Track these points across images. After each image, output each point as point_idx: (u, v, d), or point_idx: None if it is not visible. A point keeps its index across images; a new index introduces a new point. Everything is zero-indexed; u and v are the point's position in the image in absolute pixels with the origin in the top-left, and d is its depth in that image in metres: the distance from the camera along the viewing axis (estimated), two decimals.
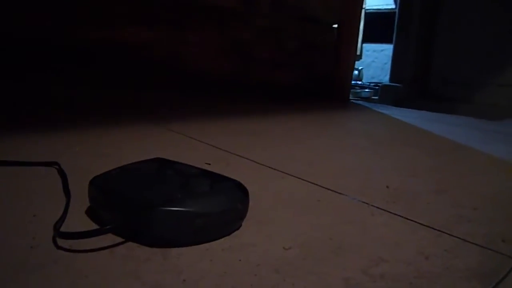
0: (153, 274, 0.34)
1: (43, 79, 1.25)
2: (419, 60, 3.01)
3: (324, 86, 1.96)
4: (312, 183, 0.63)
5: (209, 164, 0.69)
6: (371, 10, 5.03)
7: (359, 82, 4.61)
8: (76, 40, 1.24)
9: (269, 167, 0.70)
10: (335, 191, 0.59)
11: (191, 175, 0.44)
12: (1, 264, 0.34)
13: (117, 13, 1.28)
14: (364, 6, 5.10)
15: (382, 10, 4.88)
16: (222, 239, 0.40)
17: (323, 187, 0.61)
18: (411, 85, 2.87)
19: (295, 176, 0.65)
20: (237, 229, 0.43)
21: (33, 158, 0.62)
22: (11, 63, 1.20)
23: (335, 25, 1.95)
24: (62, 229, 0.38)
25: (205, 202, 0.39)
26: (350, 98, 2.14)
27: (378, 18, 4.85)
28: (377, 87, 3.99)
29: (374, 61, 5.19)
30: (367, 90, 4.12)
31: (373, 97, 3.96)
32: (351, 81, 2.07)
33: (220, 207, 0.39)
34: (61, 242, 0.37)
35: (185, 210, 0.37)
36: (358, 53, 5.23)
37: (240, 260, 0.37)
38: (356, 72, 5.04)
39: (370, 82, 4.61)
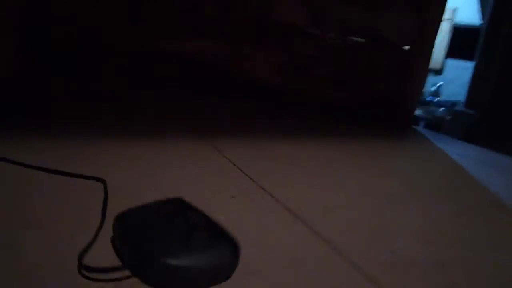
0: None
1: (118, 86, 1.42)
2: (501, 85, 2.77)
3: (386, 110, 1.93)
4: (318, 235, 0.67)
5: (234, 197, 0.76)
6: (460, 25, 4.69)
7: (436, 99, 4.37)
8: (151, 51, 1.37)
9: (287, 209, 0.75)
10: (336, 249, 0.63)
11: (195, 227, 0.52)
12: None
13: (184, 28, 1.39)
14: (453, 19, 4.79)
15: (471, 26, 4.53)
16: None
17: (326, 241, 0.65)
18: (487, 114, 2.66)
19: (306, 224, 0.70)
20: (226, 280, 0.50)
21: (88, 167, 0.74)
22: (93, 68, 1.38)
23: (406, 47, 1.91)
24: (89, 254, 0.48)
25: (196, 258, 0.46)
26: (416, 121, 2.08)
27: (466, 33, 4.51)
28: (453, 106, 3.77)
29: (457, 78, 4.85)
30: (442, 108, 3.91)
31: (447, 117, 3.75)
32: (415, 108, 2.01)
33: (209, 264, 0.47)
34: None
35: (178, 265, 0.45)
36: (438, 67, 4.95)
37: None
38: (433, 87, 4.78)
39: (447, 101, 4.34)
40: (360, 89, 1.91)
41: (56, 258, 0.49)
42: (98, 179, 0.72)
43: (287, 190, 0.84)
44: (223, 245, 0.50)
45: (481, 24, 3.68)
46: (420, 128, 2.22)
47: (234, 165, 0.94)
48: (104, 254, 0.50)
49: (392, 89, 1.94)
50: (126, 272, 0.47)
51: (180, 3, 1.38)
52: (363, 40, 1.83)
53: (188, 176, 0.84)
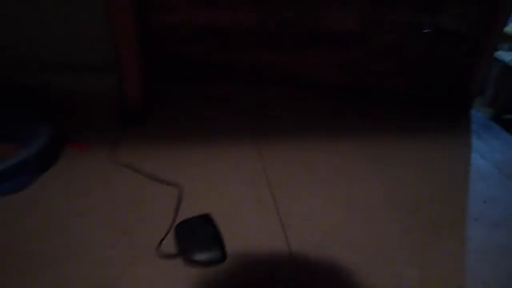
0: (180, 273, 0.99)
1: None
2: None
3: (447, 96, 2.09)
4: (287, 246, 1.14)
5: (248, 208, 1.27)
6: None
7: None
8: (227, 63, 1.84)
9: (284, 226, 1.23)
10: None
11: (208, 236, 1.06)
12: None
13: (249, 42, 1.80)
14: None
15: None
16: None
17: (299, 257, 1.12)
18: None
19: (286, 245, 1.18)
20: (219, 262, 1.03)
21: (171, 170, 1.31)
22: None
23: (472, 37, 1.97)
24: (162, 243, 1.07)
25: (205, 255, 1.01)
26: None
27: None
28: None
29: None
30: None
31: None
32: (475, 95, 2.11)
33: (210, 258, 1.01)
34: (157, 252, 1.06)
35: (194, 259, 1.00)
36: None
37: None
38: None
39: None
40: (420, 77, 2.08)
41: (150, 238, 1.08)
42: (175, 184, 1.29)
43: (293, 205, 1.30)
44: (219, 249, 1.03)
45: None
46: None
47: (265, 174, 1.42)
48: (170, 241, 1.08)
49: (456, 76, 2.06)
50: (179, 255, 1.04)
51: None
52: (425, 32, 1.96)
53: (220, 183, 1.36)
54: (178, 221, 1.13)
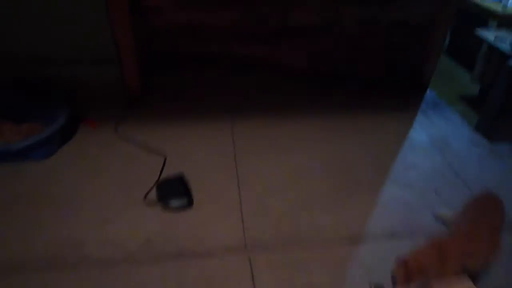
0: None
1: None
2: None
3: (405, 79, 2.42)
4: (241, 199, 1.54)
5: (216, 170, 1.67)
6: None
7: None
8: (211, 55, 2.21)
9: (238, 182, 1.62)
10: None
11: (181, 189, 1.47)
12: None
13: (230, 37, 2.16)
14: None
15: None
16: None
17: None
18: None
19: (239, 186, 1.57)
20: (187, 207, 1.45)
21: (165, 143, 1.72)
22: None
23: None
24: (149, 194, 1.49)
25: (174, 202, 1.43)
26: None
27: None
28: None
29: None
30: None
31: None
32: (430, 77, 2.41)
33: (180, 204, 1.43)
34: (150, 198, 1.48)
35: (170, 205, 1.42)
36: None
37: None
38: None
39: None
40: (383, 64, 2.40)
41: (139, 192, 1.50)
42: (161, 154, 1.70)
43: (248, 165, 1.70)
44: (188, 198, 1.44)
45: None
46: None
47: (233, 140, 1.81)
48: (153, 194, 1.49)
49: (412, 62, 2.38)
50: (159, 203, 1.46)
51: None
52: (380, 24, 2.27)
53: (197, 153, 1.75)
54: (160, 178, 1.54)
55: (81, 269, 1.20)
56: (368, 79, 2.38)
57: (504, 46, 2.27)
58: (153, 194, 1.48)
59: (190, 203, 1.46)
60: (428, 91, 2.42)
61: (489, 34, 2.60)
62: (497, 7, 2.76)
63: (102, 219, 1.38)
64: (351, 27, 2.24)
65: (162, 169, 1.60)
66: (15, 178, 1.55)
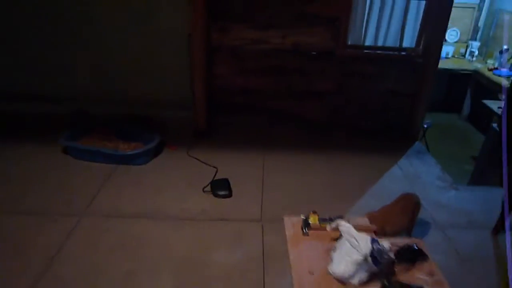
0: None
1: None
2: None
3: (400, 132, 3.20)
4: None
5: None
6: None
7: None
8: (257, 107, 3.16)
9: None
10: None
11: (223, 185, 2.35)
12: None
13: (269, 96, 3.10)
14: None
15: None
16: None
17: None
18: None
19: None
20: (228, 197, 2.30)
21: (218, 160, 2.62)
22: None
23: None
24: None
25: (221, 192, 2.30)
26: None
27: None
28: None
29: None
30: None
31: None
32: (419, 132, 3.17)
33: (223, 195, 2.30)
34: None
35: (217, 194, 2.30)
36: None
37: None
38: None
39: None
40: (379, 119, 3.22)
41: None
42: (215, 167, 2.60)
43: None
44: (229, 191, 2.31)
45: None
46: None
47: (263, 165, 2.68)
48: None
49: (403, 119, 3.17)
50: (211, 193, 2.33)
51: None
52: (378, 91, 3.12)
53: (238, 168, 2.63)
54: (213, 180, 2.43)
55: (165, 221, 2.08)
56: (369, 132, 3.18)
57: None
58: (208, 189, 2.36)
59: (230, 194, 2.32)
60: (416, 143, 3.16)
61: (493, 104, 3.27)
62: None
63: (178, 199, 2.28)
64: (356, 92, 3.11)
65: (215, 175, 2.50)
66: (125, 173, 2.52)
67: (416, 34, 3.03)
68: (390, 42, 3.14)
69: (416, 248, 1.39)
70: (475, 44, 4.81)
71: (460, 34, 4.91)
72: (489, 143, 3.39)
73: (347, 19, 2.93)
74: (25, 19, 3.02)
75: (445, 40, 4.89)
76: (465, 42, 4.92)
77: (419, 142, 3.19)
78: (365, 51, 3.11)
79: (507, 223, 2.07)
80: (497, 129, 3.13)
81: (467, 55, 4.86)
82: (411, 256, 1.35)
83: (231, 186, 2.40)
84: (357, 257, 1.21)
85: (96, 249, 1.86)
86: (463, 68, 4.60)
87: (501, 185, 2.13)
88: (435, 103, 4.87)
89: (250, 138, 3.06)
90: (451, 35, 4.95)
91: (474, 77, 4.54)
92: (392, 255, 1.31)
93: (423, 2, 2.94)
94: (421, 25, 2.98)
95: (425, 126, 4.41)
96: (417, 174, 2.72)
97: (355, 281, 1.23)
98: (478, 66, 4.53)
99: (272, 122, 3.19)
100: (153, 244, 1.92)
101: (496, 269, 1.90)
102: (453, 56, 4.89)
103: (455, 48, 4.90)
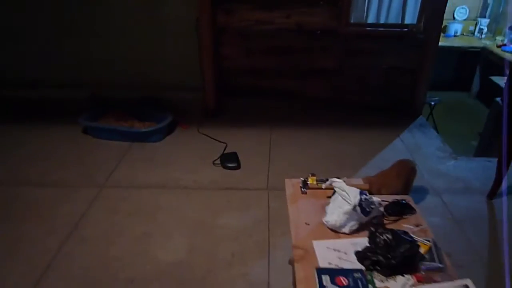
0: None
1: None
2: None
3: (401, 107, 3.28)
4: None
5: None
6: None
7: None
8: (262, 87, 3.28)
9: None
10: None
11: (232, 158, 2.49)
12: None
13: (274, 75, 3.22)
14: None
15: None
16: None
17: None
18: None
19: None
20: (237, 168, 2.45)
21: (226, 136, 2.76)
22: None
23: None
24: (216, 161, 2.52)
25: (230, 164, 2.45)
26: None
27: None
28: None
29: None
30: None
31: None
32: (422, 107, 3.25)
33: (232, 166, 2.45)
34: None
35: (227, 166, 2.45)
36: None
37: None
38: None
39: None
40: (382, 95, 3.30)
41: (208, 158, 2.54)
42: (224, 143, 2.75)
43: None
44: (238, 163, 2.46)
45: None
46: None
47: (270, 140, 2.81)
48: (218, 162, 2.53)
49: (406, 95, 3.25)
50: (221, 165, 2.48)
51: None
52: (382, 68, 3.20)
53: (246, 144, 2.77)
54: (223, 154, 2.57)
55: (177, 190, 2.25)
56: (373, 108, 3.28)
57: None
58: (218, 162, 2.52)
59: (238, 166, 2.47)
60: (419, 117, 3.24)
61: (500, 80, 3.29)
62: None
63: (190, 171, 2.44)
64: (359, 70, 3.20)
65: (224, 149, 2.64)
66: (142, 149, 2.69)
67: (417, 10, 3.08)
68: (392, 19, 3.20)
69: (404, 202, 1.51)
70: (484, 21, 4.79)
71: (469, 12, 4.88)
72: (492, 117, 3.45)
73: None
74: (39, 9, 3.17)
75: (454, 18, 4.90)
76: (474, 20, 4.89)
77: (424, 117, 3.27)
78: (368, 28, 3.18)
79: (505, 185, 2.18)
80: (500, 102, 3.19)
81: (476, 33, 4.84)
82: (399, 210, 1.47)
83: (240, 159, 2.54)
84: (347, 207, 1.34)
85: (115, 214, 2.04)
86: (472, 46, 4.60)
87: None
88: (445, 81, 4.94)
89: (257, 116, 3.19)
90: (460, 12, 4.94)
91: (483, 54, 4.55)
92: (382, 208, 1.43)
93: None
94: (421, 2, 3.02)
95: (432, 103, 4.49)
96: (418, 145, 2.82)
97: (346, 229, 1.36)
98: (487, 43, 4.52)
99: (278, 101, 3.31)
100: (167, 210, 2.09)
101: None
102: (462, 34, 4.88)
103: (464, 26, 4.89)
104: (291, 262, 1.44)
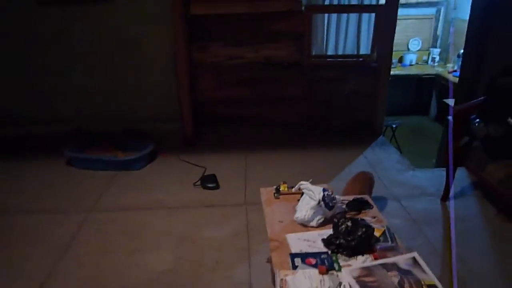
0: None
1: None
2: None
3: (362, 127, 3.60)
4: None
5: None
6: None
7: None
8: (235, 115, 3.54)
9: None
10: None
11: (211, 179, 2.69)
12: None
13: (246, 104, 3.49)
14: None
15: None
16: None
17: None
18: None
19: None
20: (216, 189, 2.64)
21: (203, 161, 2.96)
22: None
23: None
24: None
25: (210, 185, 2.64)
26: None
27: None
28: None
29: None
30: None
31: None
32: (381, 127, 3.58)
33: (211, 187, 2.64)
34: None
35: (206, 186, 2.64)
36: None
37: None
38: None
39: None
40: (345, 118, 3.62)
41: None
42: (203, 167, 2.95)
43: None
44: (216, 184, 2.66)
45: None
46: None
47: (245, 163, 3.03)
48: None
49: (365, 114, 3.58)
50: (201, 186, 2.67)
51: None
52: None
53: (224, 167, 2.98)
54: (202, 176, 2.77)
55: (162, 210, 2.41)
56: (337, 130, 3.58)
57: None
58: (198, 184, 2.70)
59: (217, 186, 2.66)
60: (380, 137, 3.56)
61: (452, 102, 3.70)
62: None
63: (172, 193, 2.61)
64: (322, 96, 3.52)
65: (204, 172, 2.84)
66: (126, 177, 2.84)
67: (370, 42, 3.47)
68: (348, 51, 3.58)
69: (363, 200, 1.75)
70: (436, 51, 5.33)
71: (422, 43, 5.42)
72: (445, 133, 3.82)
73: (309, 35, 3.36)
74: (25, 48, 3.38)
75: (408, 49, 5.41)
76: (427, 50, 5.42)
77: (384, 137, 3.59)
78: (328, 59, 3.54)
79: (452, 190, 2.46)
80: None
81: (429, 61, 5.36)
82: (359, 206, 1.71)
83: (218, 180, 2.74)
84: (313, 203, 1.56)
85: (104, 234, 2.18)
86: (427, 73, 5.09)
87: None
88: (406, 107, 5.40)
89: (233, 142, 3.42)
90: (414, 44, 5.47)
91: (437, 80, 5.03)
92: (344, 206, 1.67)
93: (373, 14, 3.40)
94: (373, 35, 3.42)
95: (394, 125, 4.86)
96: (379, 160, 3.10)
97: (314, 223, 1.57)
98: (439, 70, 5.02)
99: (250, 127, 3.56)
100: (153, 227, 2.24)
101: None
102: (416, 63, 5.38)
103: (418, 56, 5.40)
104: (269, 260, 1.63)
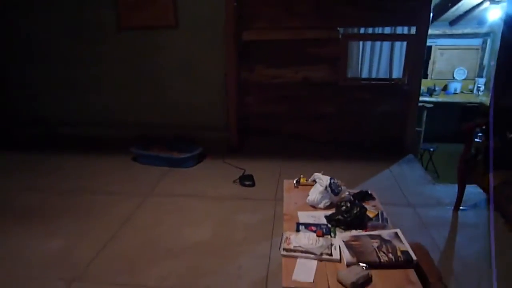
0: None
1: None
2: None
3: (392, 145, 3.85)
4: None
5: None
6: None
7: None
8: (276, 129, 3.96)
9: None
10: None
11: (248, 178, 3.10)
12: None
13: (284, 119, 3.91)
14: None
15: None
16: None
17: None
18: None
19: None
20: (252, 186, 3.05)
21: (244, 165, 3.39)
22: None
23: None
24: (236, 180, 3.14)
25: (247, 183, 3.05)
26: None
27: None
28: None
29: None
30: None
31: None
32: (410, 146, 3.80)
33: (249, 184, 3.05)
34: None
35: (244, 184, 3.06)
36: None
37: None
38: None
39: None
40: (376, 136, 3.89)
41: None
42: (243, 169, 3.37)
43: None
44: (253, 182, 3.06)
45: None
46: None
47: (280, 170, 3.42)
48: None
49: (396, 133, 3.83)
50: (239, 183, 3.09)
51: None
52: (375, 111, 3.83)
53: (261, 171, 3.38)
54: (242, 175, 3.19)
55: (205, 199, 2.85)
56: (367, 147, 3.86)
57: None
58: (237, 181, 3.13)
59: (254, 184, 3.06)
60: (409, 155, 3.78)
61: None
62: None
63: (215, 187, 3.06)
64: (355, 115, 3.84)
65: (243, 173, 3.27)
66: (178, 172, 3.35)
67: (402, 67, 3.76)
68: (381, 74, 3.89)
69: (367, 192, 2.07)
70: (481, 80, 5.45)
71: (468, 72, 5.56)
72: None
73: (345, 59, 3.73)
74: (98, 63, 4.08)
75: (454, 78, 5.59)
76: (473, 79, 5.55)
77: (412, 155, 3.81)
78: (362, 82, 3.87)
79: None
80: None
81: (474, 90, 5.48)
82: (363, 196, 2.03)
83: (255, 179, 3.14)
84: (321, 188, 1.92)
85: (157, 213, 2.65)
86: (470, 101, 5.22)
87: None
88: (448, 134, 5.50)
89: (271, 152, 3.83)
90: (459, 73, 5.64)
91: (481, 109, 5.13)
92: (351, 197, 2.00)
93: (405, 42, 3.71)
94: (404, 61, 3.72)
95: (431, 149, 5.02)
96: (403, 174, 3.34)
97: (321, 205, 1.92)
98: (483, 99, 5.13)
99: (287, 140, 3.96)
100: (196, 211, 2.68)
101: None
102: (462, 92, 5.53)
103: (463, 85, 5.55)
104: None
